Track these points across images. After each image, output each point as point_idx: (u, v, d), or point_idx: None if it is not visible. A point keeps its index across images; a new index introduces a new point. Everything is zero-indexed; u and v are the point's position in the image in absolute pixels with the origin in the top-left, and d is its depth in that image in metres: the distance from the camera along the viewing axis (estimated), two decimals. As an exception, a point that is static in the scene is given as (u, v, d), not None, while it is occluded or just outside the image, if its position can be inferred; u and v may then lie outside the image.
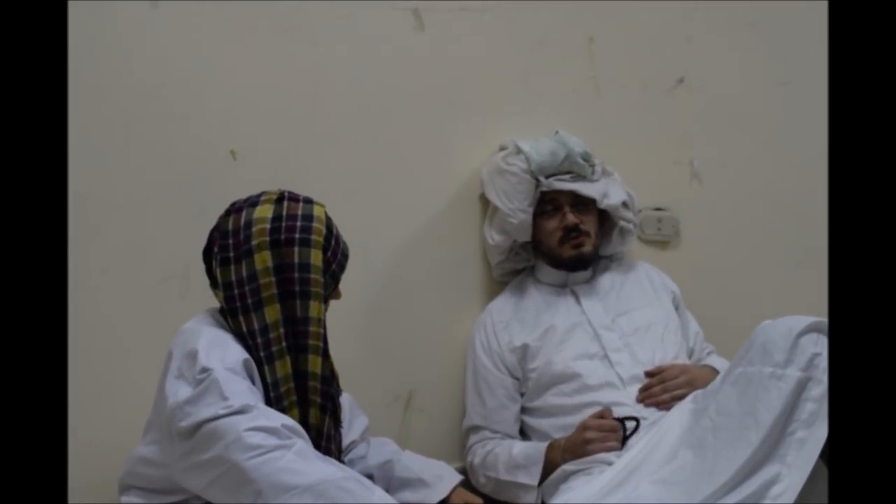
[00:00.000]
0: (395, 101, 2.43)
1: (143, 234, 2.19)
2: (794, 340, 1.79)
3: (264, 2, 2.27)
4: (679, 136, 2.74)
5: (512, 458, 2.24)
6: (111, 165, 2.17)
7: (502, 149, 2.48)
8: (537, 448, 2.22)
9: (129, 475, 1.78)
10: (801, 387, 1.76)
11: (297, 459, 1.55)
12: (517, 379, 2.35)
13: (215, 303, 1.85)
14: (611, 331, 2.31)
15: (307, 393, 1.78)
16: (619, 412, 2.14)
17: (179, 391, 1.64)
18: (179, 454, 1.63)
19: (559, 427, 2.22)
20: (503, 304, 2.44)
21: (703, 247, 2.77)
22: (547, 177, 2.35)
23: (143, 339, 2.10)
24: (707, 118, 2.75)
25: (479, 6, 2.50)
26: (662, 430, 1.98)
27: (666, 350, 2.30)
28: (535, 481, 2.18)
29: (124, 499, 1.77)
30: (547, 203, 2.38)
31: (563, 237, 2.35)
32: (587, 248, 2.37)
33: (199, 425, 1.58)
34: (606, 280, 2.45)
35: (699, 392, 2.04)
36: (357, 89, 2.39)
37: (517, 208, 2.36)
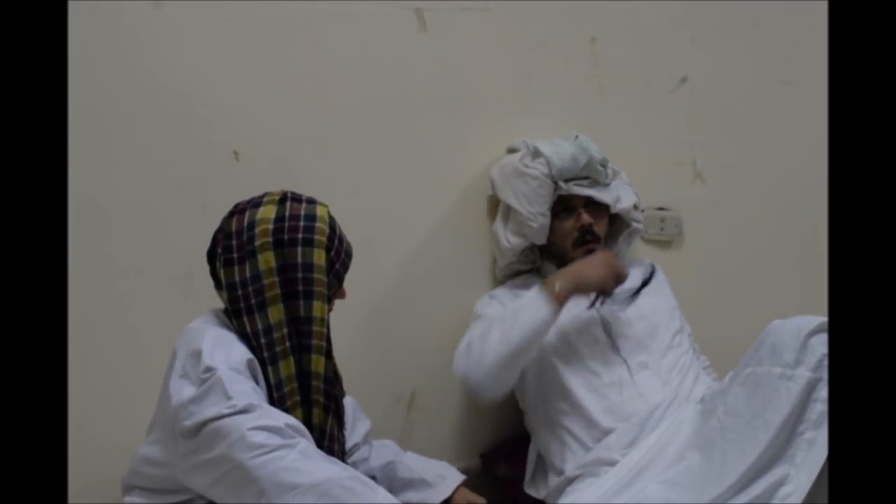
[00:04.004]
0: (398, 101, 2.44)
1: (145, 235, 2.20)
2: (804, 341, 1.78)
3: (267, 2, 2.28)
4: (682, 136, 2.74)
5: (512, 307, 2.22)
6: (114, 166, 2.17)
7: (511, 150, 2.48)
8: (532, 291, 2.22)
9: (133, 475, 1.78)
10: (811, 387, 1.75)
11: (301, 458, 1.55)
12: None
13: (219, 302, 1.85)
14: (617, 319, 2.30)
15: (310, 393, 1.78)
16: (627, 394, 2.17)
17: (183, 390, 1.64)
18: (183, 453, 1.63)
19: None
20: (511, 297, 2.42)
21: (706, 246, 2.77)
22: (566, 181, 2.34)
23: (145, 339, 2.11)
24: (710, 118, 2.76)
25: (482, 6, 2.50)
26: (671, 431, 1.98)
27: (671, 337, 2.31)
28: (548, 302, 2.15)
29: (127, 499, 1.77)
30: (560, 204, 2.37)
31: (578, 238, 2.34)
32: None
33: (203, 424, 1.58)
34: None
35: (707, 393, 2.04)
36: (360, 89, 2.39)
37: (538, 212, 2.35)
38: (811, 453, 1.72)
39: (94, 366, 2.12)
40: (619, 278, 2.25)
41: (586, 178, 2.36)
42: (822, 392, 1.74)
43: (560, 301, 2.16)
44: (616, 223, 2.46)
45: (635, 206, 2.45)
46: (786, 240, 2.80)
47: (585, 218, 2.34)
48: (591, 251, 2.33)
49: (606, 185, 2.39)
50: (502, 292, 2.44)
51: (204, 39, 2.24)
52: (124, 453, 1.81)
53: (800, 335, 1.79)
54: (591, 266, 2.23)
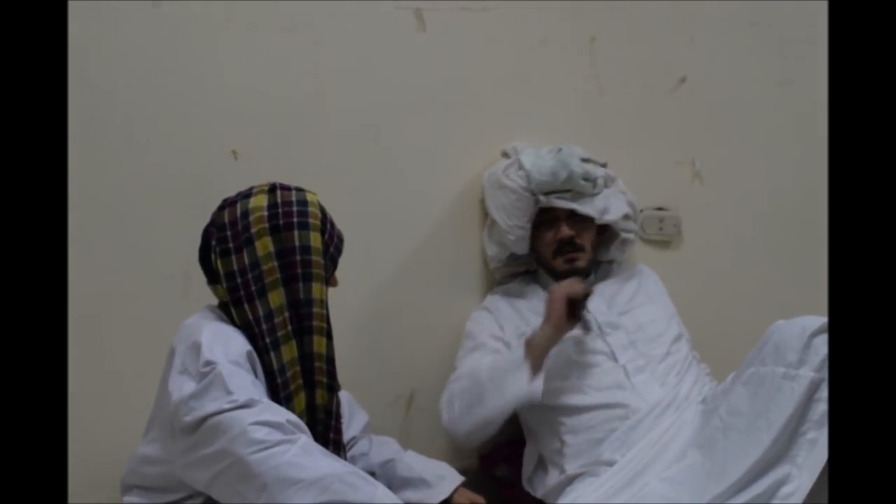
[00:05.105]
0: (397, 101, 2.44)
1: (144, 234, 2.20)
2: (808, 340, 1.78)
3: (266, 2, 2.28)
4: (681, 136, 2.74)
5: (490, 367, 2.20)
6: (112, 165, 2.17)
7: (505, 154, 2.47)
8: (512, 352, 2.20)
9: (131, 474, 1.78)
10: (814, 387, 1.75)
11: (302, 454, 1.56)
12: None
13: (214, 300, 1.86)
14: (616, 328, 2.30)
15: (313, 375, 1.79)
16: (624, 395, 2.16)
17: (184, 386, 1.64)
18: (182, 449, 1.63)
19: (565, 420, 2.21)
20: (505, 304, 2.42)
21: (705, 246, 2.77)
22: (546, 194, 2.32)
23: (143, 338, 2.10)
24: (709, 118, 2.75)
25: (481, 6, 2.50)
26: (672, 431, 1.98)
27: (669, 344, 2.29)
28: (529, 377, 2.12)
29: (126, 499, 1.78)
30: (544, 214, 2.36)
31: (558, 250, 2.34)
32: (581, 262, 2.34)
33: (204, 419, 1.58)
34: (610, 283, 2.43)
35: (709, 393, 2.04)
36: (358, 89, 2.39)
37: (516, 225, 2.35)
38: (813, 453, 1.72)
39: (93, 365, 2.12)
40: (579, 298, 2.20)
41: (568, 190, 2.34)
42: (825, 392, 1.74)
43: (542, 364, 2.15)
44: (608, 231, 2.44)
45: (627, 216, 2.41)
46: (785, 240, 2.79)
47: (564, 230, 2.32)
48: (571, 261, 2.33)
49: (594, 195, 2.37)
50: (497, 302, 2.42)
51: (203, 39, 2.24)
52: (124, 453, 1.81)
53: (803, 335, 1.79)
54: (549, 317, 2.18)
